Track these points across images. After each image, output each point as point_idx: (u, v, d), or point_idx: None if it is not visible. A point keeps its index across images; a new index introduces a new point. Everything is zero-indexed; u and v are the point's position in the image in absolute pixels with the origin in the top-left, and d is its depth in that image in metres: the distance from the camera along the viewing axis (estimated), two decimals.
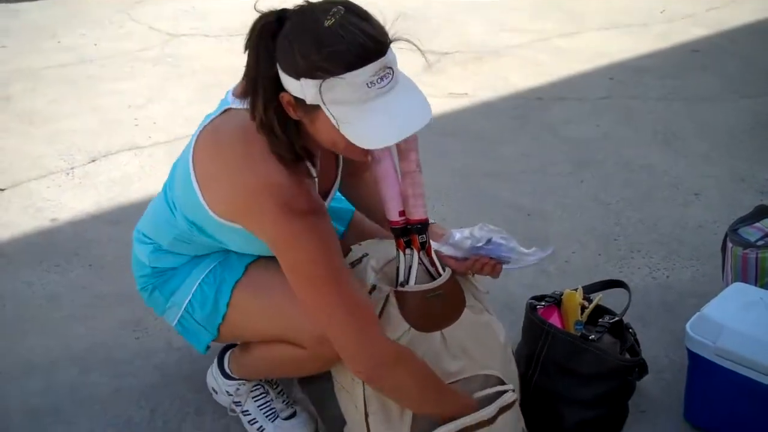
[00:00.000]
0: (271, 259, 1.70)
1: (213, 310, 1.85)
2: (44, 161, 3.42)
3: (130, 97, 4.07)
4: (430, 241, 1.80)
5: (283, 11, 1.51)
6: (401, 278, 1.79)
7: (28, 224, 2.98)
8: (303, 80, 1.46)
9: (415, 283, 1.78)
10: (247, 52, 1.54)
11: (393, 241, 1.81)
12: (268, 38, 1.51)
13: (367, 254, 1.87)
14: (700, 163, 3.36)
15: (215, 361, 2.09)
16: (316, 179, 1.71)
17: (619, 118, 3.81)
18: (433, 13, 5.36)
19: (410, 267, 1.78)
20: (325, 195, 1.84)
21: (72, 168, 3.37)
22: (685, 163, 3.37)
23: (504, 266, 1.82)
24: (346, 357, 1.64)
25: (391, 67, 1.47)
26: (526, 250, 1.81)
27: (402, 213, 1.78)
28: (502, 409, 1.77)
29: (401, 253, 1.79)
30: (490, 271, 1.79)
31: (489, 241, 1.78)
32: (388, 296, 1.76)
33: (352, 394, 1.79)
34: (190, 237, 1.82)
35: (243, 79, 1.58)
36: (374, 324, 1.64)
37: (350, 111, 1.47)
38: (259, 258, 1.84)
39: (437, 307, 1.77)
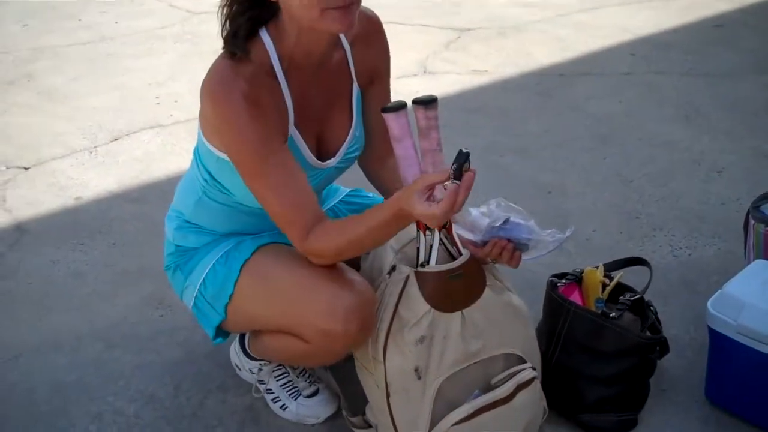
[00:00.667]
0: (282, 246, 1.75)
1: (221, 289, 1.86)
2: (67, 139, 3.45)
3: (151, 75, 4.09)
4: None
5: None
6: (422, 258, 1.79)
7: (52, 202, 3.01)
8: None
9: (436, 264, 1.78)
10: None
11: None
12: None
13: None
14: (723, 140, 3.33)
15: (237, 337, 2.12)
16: (290, 100, 1.73)
17: (642, 94, 3.79)
18: None
19: (431, 247, 1.78)
20: (331, 154, 1.86)
21: (95, 146, 3.40)
22: (708, 139, 3.34)
23: (523, 256, 1.81)
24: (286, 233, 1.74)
25: None
26: (544, 231, 1.79)
27: None
28: (520, 387, 1.77)
29: (421, 234, 1.78)
30: (508, 258, 1.76)
31: (507, 221, 1.77)
32: (408, 277, 1.76)
33: (374, 374, 1.80)
34: (208, 192, 1.85)
35: None
36: (295, 222, 1.69)
37: None
38: (271, 243, 1.87)
39: (458, 288, 1.77)
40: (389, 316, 1.76)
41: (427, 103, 1.68)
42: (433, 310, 1.75)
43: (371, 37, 1.87)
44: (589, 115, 3.58)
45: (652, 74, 3.99)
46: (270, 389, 2.06)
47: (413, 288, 1.76)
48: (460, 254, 1.80)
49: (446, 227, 1.79)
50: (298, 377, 2.06)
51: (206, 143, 1.78)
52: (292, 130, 1.75)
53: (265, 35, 1.71)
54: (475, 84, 3.93)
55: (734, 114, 3.55)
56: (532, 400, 1.81)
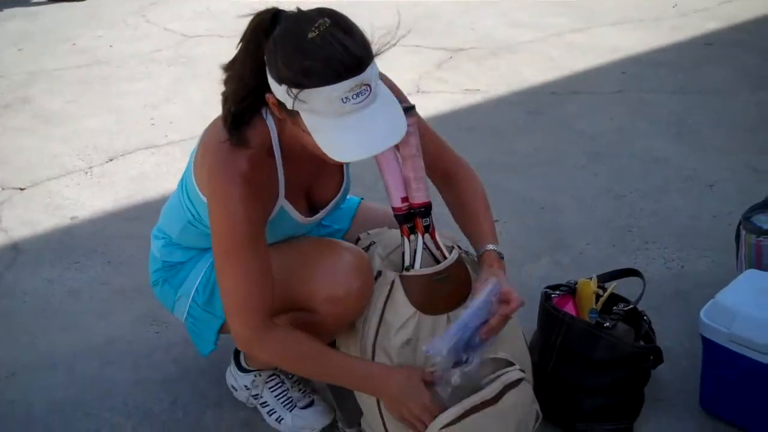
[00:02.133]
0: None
1: (218, 293, 1.87)
2: (63, 161, 3.47)
3: (146, 97, 4.11)
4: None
5: (279, 12, 1.57)
6: (406, 263, 1.82)
7: (48, 222, 3.02)
8: (284, 86, 1.52)
9: (421, 267, 1.80)
10: (239, 45, 1.62)
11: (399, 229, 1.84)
12: (260, 35, 1.57)
13: (374, 242, 1.90)
14: (714, 155, 3.36)
15: (232, 358, 2.12)
16: (282, 179, 1.75)
17: (633, 111, 3.82)
18: (448, 9, 5.37)
19: (415, 251, 1.81)
20: (319, 208, 1.88)
21: (90, 167, 3.41)
22: (699, 155, 3.37)
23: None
24: (227, 319, 1.76)
25: (368, 84, 1.52)
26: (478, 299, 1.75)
27: (405, 199, 1.82)
28: (507, 387, 1.77)
29: (405, 239, 1.82)
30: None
31: (466, 360, 1.74)
32: (393, 281, 1.79)
33: None
34: (194, 224, 1.87)
35: (228, 69, 1.66)
36: (252, 309, 1.69)
37: (324, 122, 1.53)
38: None
39: (443, 291, 1.80)
40: (376, 321, 1.79)
41: (405, 110, 1.69)
42: (418, 312, 1.77)
43: None
44: (580, 133, 3.61)
45: (642, 92, 4.03)
46: (265, 402, 2.06)
47: (399, 292, 1.78)
48: (445, 257, 1.83)
49: (429, 232, 1.82)
50: (292, 387, 2.06)
51: (197, 189, 1.78)
52: (283, 202, 1.78)
53: (269, 119, 1.70)
54: (468, 103, 3.96)
55: (725, 130, 3.58)
56: (521, 401, 1.81)
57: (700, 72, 4.24)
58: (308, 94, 1.50)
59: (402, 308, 1.78)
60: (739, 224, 2.27)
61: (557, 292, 2.09)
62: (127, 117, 3.89)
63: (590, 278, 2.10)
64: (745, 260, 2.22)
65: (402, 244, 1.84)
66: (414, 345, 1.78)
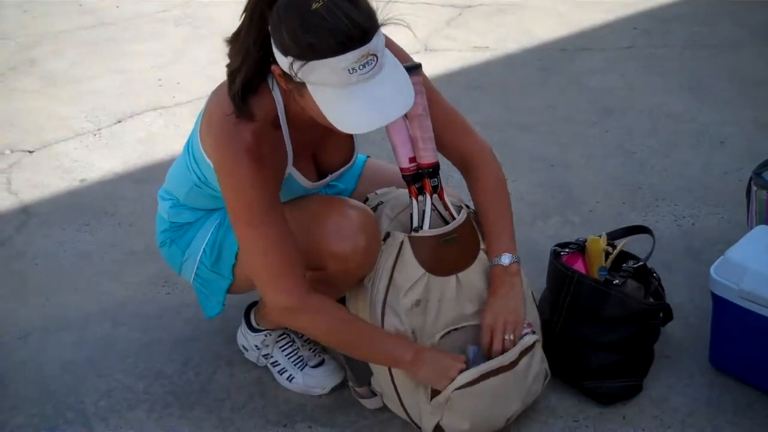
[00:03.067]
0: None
1: (226, 252, 1.89)
2: (71, 123, 3.46)
3: (153, 58, 4.08)
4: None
5: None
6: (415, 224, 1.82)
7: (57, 185, 3.03)
8: (290, 58, 1.51)
9: (429, 228, 1.80)
10: (242, 16, 1.60)
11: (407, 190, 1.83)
12: (264, 6, 1.55)
13: (382, 202, 1.90)
14: (726, 111, 3.32)
15: (243, 318, 2.13)
16: (290, 149, 1.74)
17: (644, 67, 3.77)
18: None
19: (423, 212, 1.81)
20: (328, 172, 1.87)
21: (98, 129, 3.41)
22: (710, 111, 3.33)
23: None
24: (261, 294, 1.74)
25: (375, 54, 1.51)
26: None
27: (413, 159, 1.81)
28: (523, 352, 1.79)
29: (414, 199, 1.82)
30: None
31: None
32: (402, 242, 1.79)
33: None
34: (201, 186, 1.87)
35: (232, 41, 1.64)
36: (287, 275, 1.68)
37: (331, 93, 1.52)
38: None
39: (452, 251, 1.80)
40: (386, 282, 1.79)
41: (410, 69, 1.68)
42: (427, 274, 1.78)
43: None
44: (591, 90, 3.58)
45: (654, 48, 3.98)
46: (276, 361, 2.08)
47: (408, 253, 1.78)
48: (454, 218, 1.83)
49: (438, 192, 1.82)
50: (302, 346, 2.08)
51: (204, 154, 1.77)
52: (291, 169, 1.77)
53: (275, 89, 1.69)
54: (477, 61, 3.92)
55: (737, 85, 3.54)
56: (535, 362, 1.83)
57: (712, 27, 4.18)
58: (314, 65, 1.49)
59: (411, 269, 1.78)
60: (750, 180, 2.25)
61: (566, 250, 2.08)
62: (135, 78, 3.87)
63: (599, 236, 2.10)
64: (755, 216, 2.21)
65: (410, 205, 1.83)
66: (423, 306, 1.78)
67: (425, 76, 1.84)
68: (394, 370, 1.80)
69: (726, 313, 1.95)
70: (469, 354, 1.79)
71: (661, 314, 2.01)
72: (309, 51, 1.49)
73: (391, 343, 1.77)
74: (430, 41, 4.10)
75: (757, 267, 1.88)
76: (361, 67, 1.49)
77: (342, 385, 2.05)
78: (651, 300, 2.01)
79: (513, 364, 1.77)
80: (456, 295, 1.80)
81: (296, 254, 1.69)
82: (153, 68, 3.97)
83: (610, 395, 1.97)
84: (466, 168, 1.95)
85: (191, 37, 4.34)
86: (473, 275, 1.82)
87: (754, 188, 2.21)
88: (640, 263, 2.02)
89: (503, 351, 1.77)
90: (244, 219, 1.68)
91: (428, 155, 1.81)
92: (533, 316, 1.91)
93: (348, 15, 1.47)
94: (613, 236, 2.14)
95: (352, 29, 1.47)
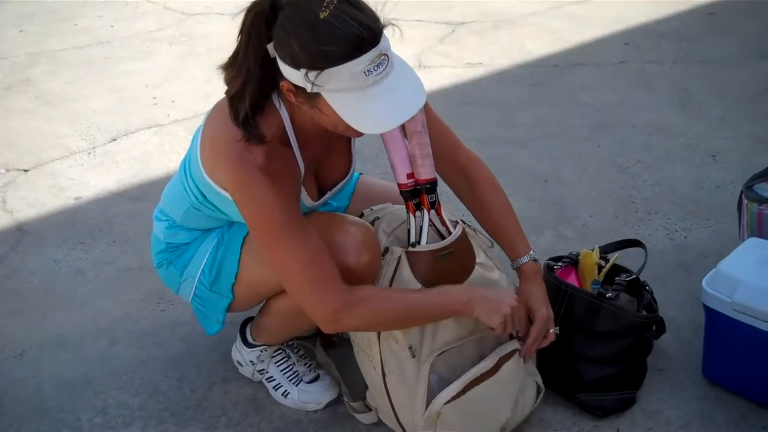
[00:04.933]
0: None
1: (226, 272, 1.89)
2: (66, 141, 3.47)
3: (148, 76, 4.11)
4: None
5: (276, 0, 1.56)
6: (412, 239, 1.82)
7: (52, 203, 3.04)
8: (303, 70, 1.51)
9: (426, 243, 1.81)
10: (239, 38, 1.61)
11: (404, 206, 1.84)
12: (261, 25, 1.56)
13: (378, 218, 1.91)
14: (717, 125, 3.35)
15: (238, 334, 2.14)
16: (302, 164, 1.75)
17: (636, 82, 3.80)
18: None
19: (421, 227, 1.82)
20: (326, 189, 1.89)
21: (93, 147, 3.42)
22: (702, 125, 3.36)
23: None
24: (305, 309, 1.72)
25: (386, 54, 1.53)
26: None
27: (410, 175, 1.82)
28: (503, 359, 1.81)
29: (411, 215, 1.83)
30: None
31: None
32: (399, 257, 1.79)
33: (369, 356, 1.83)
34: (198, 207, 1.87)
35: (228, 66, 1.64)
36: (327, 279, 1.68)
37: (350, 98, 1.53)
38: None
39: (448, 266, 1.81)
40: None
41: None
42: (424, 289, 1.78)
43: None
44: (583, 105, 3.60)
45: (645, 63, 4.01)
46: (271, 377, 2.08)
47: (405, 268, 1.79)
48: (450, 233, 1.84)
49: (435, 207, 1.83)
50: (298, 362, 2.08)
51: (205, 176, 1.77)
52: (299, 186, 1.78)
53: (279, 104, 1.70)
54: (470, 77, 3.95)
55: (728, 99, 3.57)
56: (519, 371, 1.84)
57: (703, 42, 4.21)
58: (329, 73, 1.50)
59: (409, 285, 1.78)
60: (741, 193, 2.27)
61: (559, 264, 2.10)
62: (130, 96, 3.89)
63: (592, 249, 2.11)
64: (747, 229, 2.22)
65: (408, 221, 1.84)
66: None
67: (428, 104, 1.86)
68: (388, 383, 1.81)
69: (719, 326, 1.96)
70: None
71: (654, 327, 2.03)
72: (324, 59, 1.50)
73: (443, 298, 1.76)
74: (423, 58, 4.12)
75: (749, 279, 1.90)
76: (375, 68, 1.51)
77: (337, 401, 2.06)
78: (644, 313, 2.02)
79: (494, 369, 1.78)
80: None
81: (330, 260, 1.70)
82: (148, 87, 3.99)
83: (604, 408, 1.98)
84: (464, 178, 1.96)
85: (186, 55, 4.36)
86: None
87: (745, 201, 2.23)
88: (633, 276, 2.04)
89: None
90: (271, 235, 1.68)
91: (426, 171, 1.82)
92: None
93: (357, 19, 1.50)
94: (606, 250, 2.15)
95: (363, 32, 1.49)
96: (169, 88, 3.96)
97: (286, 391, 2.06)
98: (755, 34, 4.28)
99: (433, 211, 1.84)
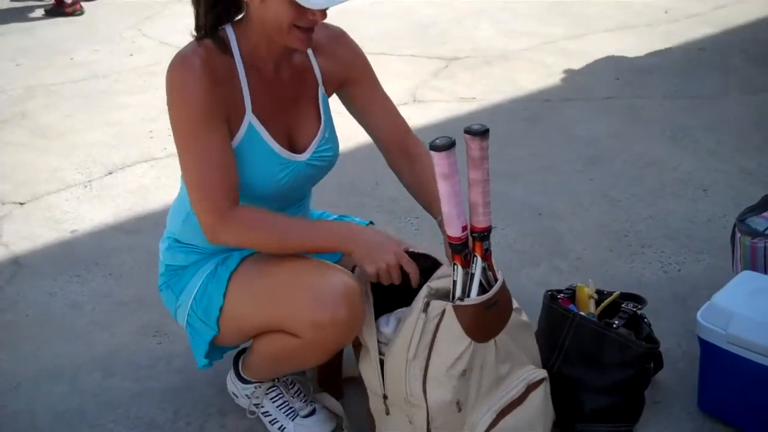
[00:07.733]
0: (266, 255, 1.84)
1: (212, 304, 1.90)
2: (62, 175, 3.48)
3: (144, 110, 4.13)
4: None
5: None
6: (458, 293, 1.76)
7: (48, 236, 3.04)
8: None
9: (477, 294, 1.75)
10: None
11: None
12: None
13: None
14: (708, 159, 3.39)
15: (232, 365, 2.14)
16: (246, 87, 1.80)
17: (627, 116, 3.85)
18: (444, 19, 5.41)
19: (471, 277, 1.75)
20: (303, 148, 1.90)
21: (89, 181, 3.43)
22: (693, 158, 3.40)
23: None
24: (196, 214, 1.78)
25: None
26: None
27: (464, 228, 1.74)
28: (530, 387, 1.79)
29: (459, 266, 1.75)
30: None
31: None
32: (444, 311, 1.73)
33: (406, 411, 1.79)
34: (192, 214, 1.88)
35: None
36: (215, 192, 1.74)
37: None
38: (255, 253, 1.90)
39: (493, 316, 1.77)
40: (425, 353, 1.73)
41: (482, 133, 1.69)
42: (473, 343, 1.73)
43: (332, 45, 1.95)
44: (576, 139, 3.64)
45: (636, 98, 4.06)
46: (267, 411, 2.08)
47: (453, 322, 1.73)
48: (496, 280, 1.78)
49: (486, 256, 1.77)
50: (293, 397, 2.07)
51: None
52: (250, 117, 1.81)
53: (230, 31, 1.81)
54: (464, 111, 3.98)
55: (718, 134, 3.61)
56: (545, 402, 1.83)
57: (693, 77, 4.27)
58: None
59: (458, 339, 1.72)
60: (734, 227, 2.29)
61: (561, 295, 2.11)
62: (126, 130, 3.91)
63: (587, 285, 2.13)
64: (740, 262, 2.24)
65: (454, 272, 1.76)
66: (468, 375, 1.74)
67: (378, 82, 1.95)
68: (389, 405, 1.81)
69: (713, 358, 1.98)
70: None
71: (651, 363, 2.03)
72: None
73: (321, 230, 1.81)
74: (418, 92, 4.16)
75: (743, 312, 1.91)
76: None
77: None
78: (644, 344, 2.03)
79: (522, 398, 1.78)
80: (495, 360, 1.77)
81: (228, 179, 1.75)
82: (144, 120, 4.01)
83: None
84: (409, 158, 2.00)
85: None
86: (506, 336, 1.80)
87: (738, 234, 2.25)
88: (638, 308, 2.04)
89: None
90: (184, 131, 1.76)
91: (485, 219, 1.76)
92: (537, 358, 1.92)
93: None
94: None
95: None
96: (165, 122, 3.91)
97: (282, 425, 2.05)
98: (744, 70, 4.34)
99: (484, 259, 1.78)
